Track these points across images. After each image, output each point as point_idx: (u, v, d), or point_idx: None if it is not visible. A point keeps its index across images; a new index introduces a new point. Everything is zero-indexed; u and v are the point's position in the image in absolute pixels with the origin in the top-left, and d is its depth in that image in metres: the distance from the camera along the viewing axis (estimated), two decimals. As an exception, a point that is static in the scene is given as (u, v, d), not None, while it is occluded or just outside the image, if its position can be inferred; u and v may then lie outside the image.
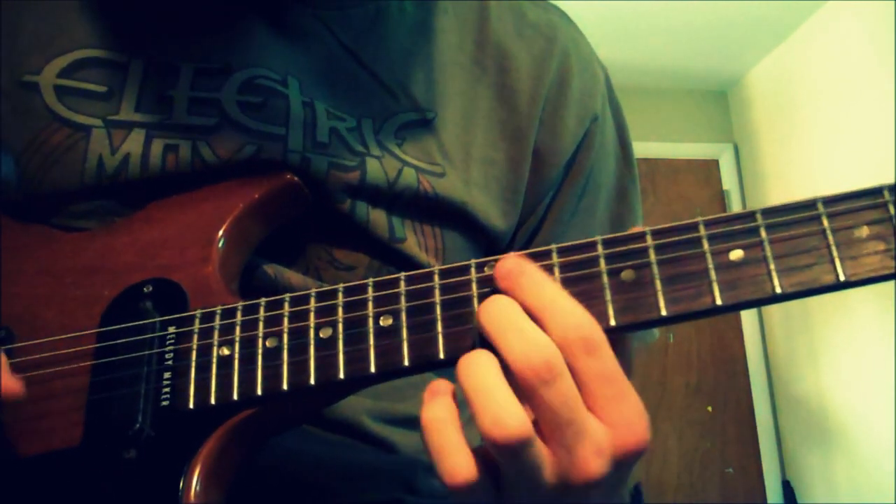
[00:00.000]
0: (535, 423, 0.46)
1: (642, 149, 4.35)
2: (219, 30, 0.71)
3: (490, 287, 0.51)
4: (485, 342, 0.48)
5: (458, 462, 0.46)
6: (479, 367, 0.46)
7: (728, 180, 4.68)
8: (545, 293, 0.48)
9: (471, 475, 0.46)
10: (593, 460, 0.46)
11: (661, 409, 4.13)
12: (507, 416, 0.44)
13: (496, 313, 0.47)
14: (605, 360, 0.46)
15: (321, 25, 0.73)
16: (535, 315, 0.47)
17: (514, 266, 0.49)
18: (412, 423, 0.73)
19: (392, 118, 0.73)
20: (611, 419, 0.46)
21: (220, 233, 0.63)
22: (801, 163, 4.11)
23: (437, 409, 0.47)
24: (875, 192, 0.46)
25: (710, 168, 4.73)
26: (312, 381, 0.53)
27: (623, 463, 0.47)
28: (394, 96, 0.74)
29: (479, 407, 0.45)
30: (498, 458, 0.46)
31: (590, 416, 0.46)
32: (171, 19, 0.71)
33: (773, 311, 4.31)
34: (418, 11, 0.78)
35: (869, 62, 3.62)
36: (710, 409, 4.26)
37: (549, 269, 0.51)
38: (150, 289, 0.61)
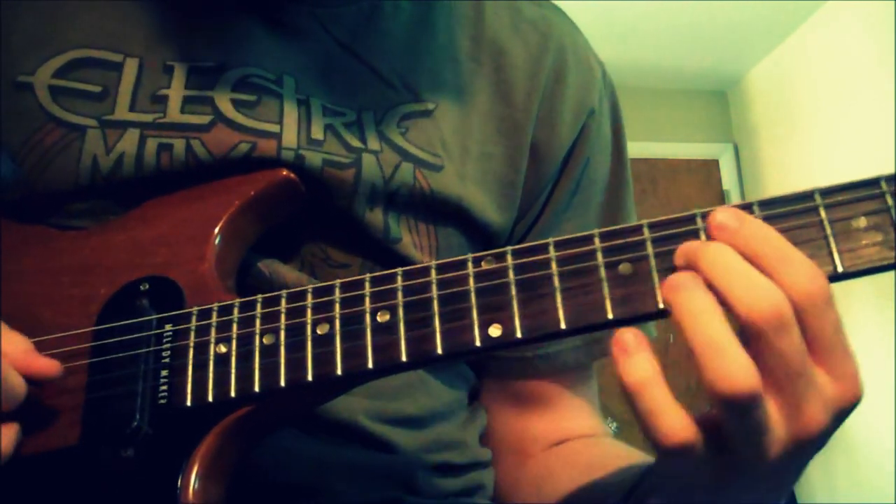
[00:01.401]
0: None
1: (642, 149, 4.35)
2: (213, 28, 0.71)
3: (490, 281, 0.51)
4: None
5: (674, 422, 0.44)
6: (706, 317, 0.44)
7: (728, 180, 4.69)
8: (773, 242, 0.45)
9: (689, 434, 0.44)
10: (821, 414, 0.44)
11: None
12: (738, 369, 0.42)
13: (719, 260, 0.44)
14: (836, 312, 0.45)
15: (316, 23, 0.73)
16: (764, 265, 0.45)
17: (731, 217, 0.46)
18: (410, 422, 0.73)
19: (393, 109, 0.73)
20: (837, 371, 0.45)
21: (216, 230, 0.63)
22: (801, 163, 4.12)
23: (639, 368, 0.45)
24: (872, 182, 0.46)
25: (710, 168, 4.74)
26: (310, 378, 0.53)
27: (841, 417, 0.46)
28: (393, 88, 0.74)
29: (707, 361, 0.43)
30: (725, 417, 0.45)
31: (817, 367, 0.45)
32: (165, 18, 0.71)
33: (773, 310, 4.30)
34: (414, 8, 0.78)
35: (869, 62, 3.62)
36: (710, 408, 4.24)
37: (546, 263, 0.50)
38: (147, 287, 0.61)
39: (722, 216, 0.47)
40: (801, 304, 0.44)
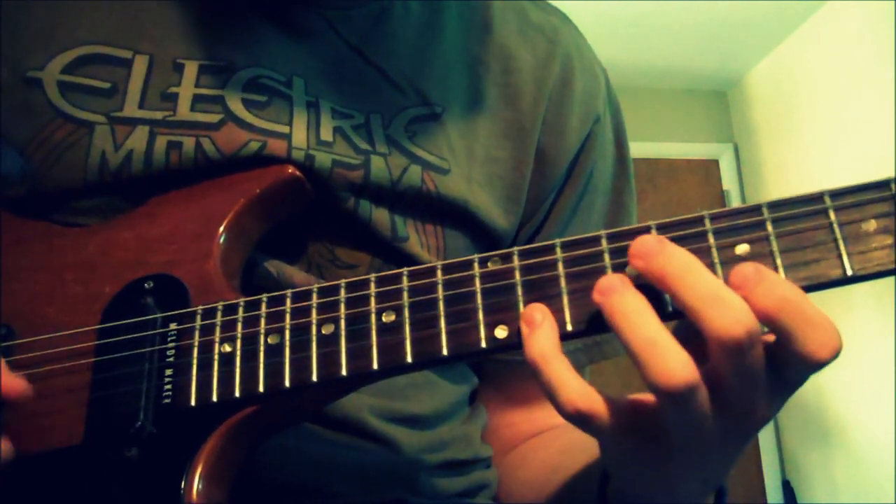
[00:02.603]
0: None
1: (642, 149, 4.35)
2: (223, 28, 0.71)
3: (495, 283, 0.50)
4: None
5: (571, 391, 0.46)
6: (639, 317, 0.45)
7: (728, 180, 4.69)
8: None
9: (691, 374, 0.44)
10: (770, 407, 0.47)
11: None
12: (676, 364, 0.43)
13: (691, 279, 0.45)
14: (784, 286, 0.45)
15: (325, 25, 0.73)
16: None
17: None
18: (415, 421, 0.73)
19: (401, 113, 0.73)
20: (809, 349, 0.45)
21: (222, 228, 0.63)
22: (801, 163, 4.12)
23: (541, 341, 0.47)
24: (882, 184, 0.46)
25: (710, 168, 4.74)
26: (315, 378, 0.53)
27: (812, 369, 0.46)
28: (402, 91, 0.74)
29: (646, 359, 0.44)
30: (664, 408, 0.45)
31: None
32: (176, 16, 0.71)
33: (773, 310, 4.30)
34: (424, 10, 0.78)
35: (869, 62, 3.62)
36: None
37: (552, 264, 0.50)
38: (151, 285, 0.61)
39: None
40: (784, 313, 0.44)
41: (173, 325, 0.58)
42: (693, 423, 0.46)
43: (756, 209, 0.48)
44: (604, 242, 0.50)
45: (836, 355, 0.44)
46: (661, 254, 0.45)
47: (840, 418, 3.78)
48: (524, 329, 0.48)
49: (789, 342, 0.44)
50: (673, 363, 0.43)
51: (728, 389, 0.45)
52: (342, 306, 0.54)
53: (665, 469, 0.50)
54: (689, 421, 0.46)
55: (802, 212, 0.47)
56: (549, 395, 0.47)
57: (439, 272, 0.53)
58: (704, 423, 0.46)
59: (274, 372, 0.54)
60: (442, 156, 0.72)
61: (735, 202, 4.57)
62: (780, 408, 0.48)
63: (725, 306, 0.43)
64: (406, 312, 0.53)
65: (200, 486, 0.53)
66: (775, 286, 0.44)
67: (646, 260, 0.46)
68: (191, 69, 0.69)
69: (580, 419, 0.46)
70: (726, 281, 0.45)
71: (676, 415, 0.45)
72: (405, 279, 0.53)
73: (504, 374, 0.83)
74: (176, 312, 0.58)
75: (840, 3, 3.84)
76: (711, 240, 0.48)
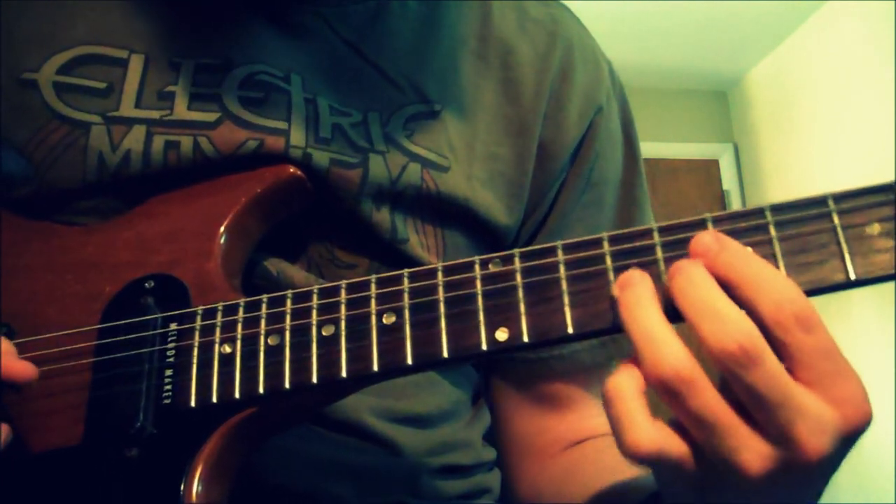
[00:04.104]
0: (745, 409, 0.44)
1: (642, 149, 4.34)
2: (219, 26, 0.71)
3: (497, 284, 0.50)
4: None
5: (668, 352, 0.44)
6: (641, 309, 0.45)
7: (728, 180, 4.69)
8: (751, 266, 0.45)
9: (684, 367, 0.44)
10: (816, 438, 0.43)
11: (661, 409, 4.12)
12: (668, 355, 0.43)
13: (689, 292, 0.45)
14: (822, 334, 0.44)
15: (322, 22, 0.73)
16: (742, 290, 0.45)
17: (712, 241, 0.46)
18: (416, 421, 0.73)
19: (400, 110, 0.73)
20: (833, 395, 0.44)
21: (223, 228, 0.62)
22: (802, 163, 4.11)
23: (621, 377, 0.46)
24: (886, 188, 0.45)
25: (710, 168, 4.74)
26: (315, 380, 0.53)
27: (849, 441, 0.45)
28: (400, 89, 0.74)
29: (641, 349, 0.44)
30: (678, 414, 0.45)
31: (807, 393, 0.43)
32: (171, 15, 0.71)
33: (772, 311, 4.31)
34: (422, 7, 0.78)
35: (869, 62, 3.62)
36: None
37: (553, 267, 0.50)
38: (152, 284, 0.61)
39: (703, 240, 0.46)
40: (781, 328, 0.43)
41: (173, 326, 0.58)
42: (722, 449, 0.44)
43: (759, 212, 0.47)
44: (605, 245, 0.50)
45: (797, 315, 0.43)
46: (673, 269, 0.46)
47: (839, 419, 3.78)
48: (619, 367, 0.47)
49: (754, 304, 0.44)
50: (665, 354, 0.43)
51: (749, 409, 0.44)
52: (343, 307, 0.54)
53: (714, 496, 0.48)
54: (704, 425, 0.44)
55: (806, 215, 0.46)
56: (614, 431, 0.46)
57: (440, 274, 0.53)
58: (741, 454, 0.44)
59: (274, 373, 0.54)
60: (441, 153, 0.72)
61: (735, 202, 4.57)
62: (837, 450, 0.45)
63: (720, 320, 0.43)
64: (406, 314, 0.52)
65: (200, 488, 0.53)
66: (736, 253, 0.45)
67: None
68: (187, 68, 0.68)
69: (645, 461, 0.45)
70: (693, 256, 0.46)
71: (677, 410, 0.45)
72: (406, 280, 0.53)
73: (524, 372, 0.80)
74: (176, 312, 0.58)
75: (840, 3, 3.84)
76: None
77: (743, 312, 0.44)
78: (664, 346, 0.44)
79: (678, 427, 0.45)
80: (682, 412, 0.45)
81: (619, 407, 0.45)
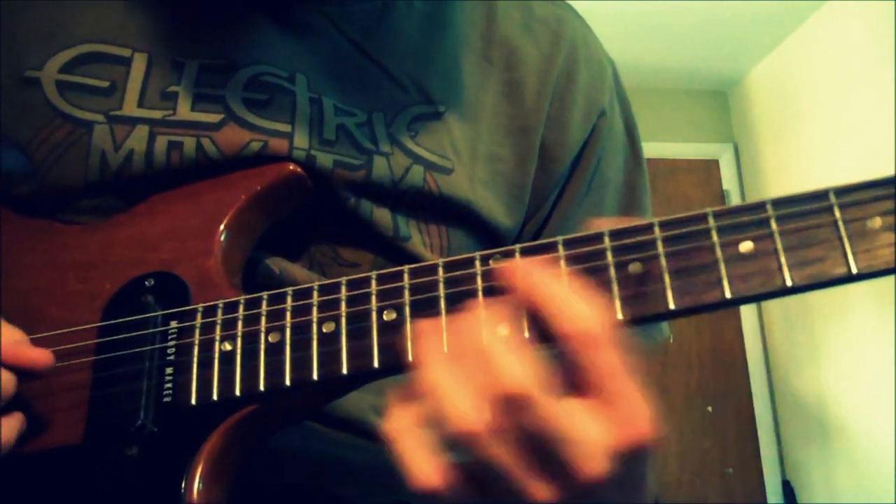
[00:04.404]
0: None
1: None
2: (224, 26, 0.71)
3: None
4: None
5: (420, 468, 0.46)
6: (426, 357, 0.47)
7: (728, 180, 4.69)
8: (548, 289, 0.47)
9: (433, 480, 0.45)
10: (590, 464, 0.45)
11: (662, 409, 4.12)
12: (454, 409, 0.45)
13: (476, 342, 0.46)
14: (611, 354, 0.45)
15: (327, 21, 0.73)
16: (543, 311, 0.46)
17: (514, 267, 0.48)
18: None
19: (404, 111, 0.73)
20: (614, 416, 0.45)
21: (223, 226, 0.62)
22: (802, 163, 4.11)
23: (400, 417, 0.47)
24: (888, 181, 0.45)
25: (710, 168, 4.74)
26: (315, 377, 0.53)
27: (628, 456, 0.46)
28: (404, 89, 0.73)
29: (431, 402, 0.46)
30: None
31: (583, 419, 0.45)
32: (176, 15, 0.71)
33: (773, 310, 4.31)
34: (427, 7, 0.77)
35: (869, 62, 3.62)
36: (710, 409, 4.25)
37: (555, 262, 0.50)
38: (152, 282, 0.61)
39: (507, 266, 0.49)
40: (572, 349, 0.45)
41: (174, 324, 0.58)
42: (496, 467, 0.45)
43: (760, 206, 0.47)
44: (606, 240, 0.49)
45: (595, 332, 0.45)
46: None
47: (840, 418, 3.78)
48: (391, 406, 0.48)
49: (550, 324, 0.46)
50: (453, 410, 0.45)
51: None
52: (343, 304, 0.54)
53: None
54: (487, 464, 0.45)
55: (807, 209, 0.46)
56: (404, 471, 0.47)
57: (440, 270, 0.53)
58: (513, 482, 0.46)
59: (274, 370, 0.54)
60: (445, 155, 0.72)
61: (735, 202, 4.56)
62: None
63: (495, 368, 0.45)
64: (407, 310, 0.52)
65: (201, 486, 0.53)
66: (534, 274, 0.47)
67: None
68: (191, 68, 0.68)
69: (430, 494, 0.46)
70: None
71: (469, 451, 0.46)
72: (406, 277, 0.53)
73: None
74: (176, 310, 0.58)
75: (840, 3, 3.84)
76: (715, 237, 0.47)
77: (521, 353, 0.45)
78: (449, 401, 0.45)
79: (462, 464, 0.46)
80: (477, 456, 0.45)
81: (398, 446, 0.46)
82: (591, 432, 0.45)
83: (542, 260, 0.50)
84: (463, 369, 0.46)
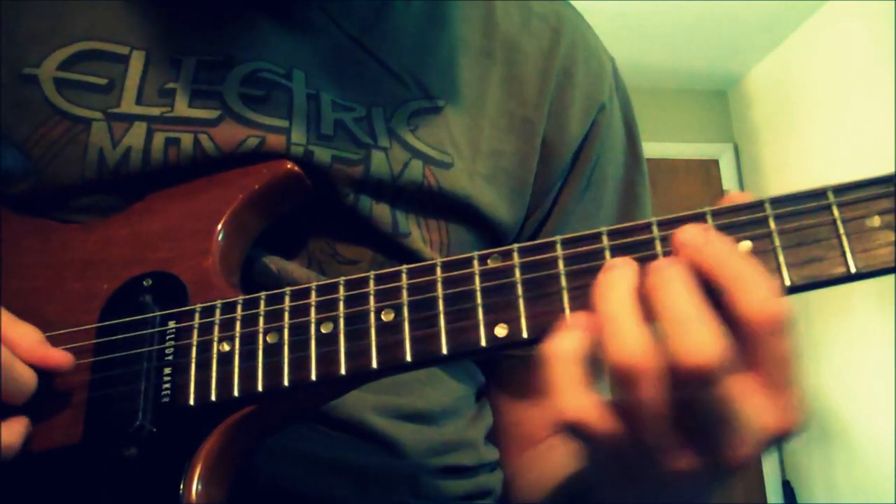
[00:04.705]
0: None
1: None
2: (221, 22, 0.71)
3: (497, 281, 0.50)
4: None
5: (631, 338, 0.44)
6: (610, 291, 0.46)
7: (728, 180, 4.69)
8: (734, 264, 0.44)
9: (642, 357, 0.43)
10: (744, 449, 0.44)
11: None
12: (630, 342, 0.43)
13: (664, 295, 0.44)
14: (790, 341, 0.44)
15: (325, 17, 0.73)
16: (721, 287, 0.44)
17: (697, 233, 0.46)
18: (418, 417, 0.72)
19: (403, 105, 0.73)
20: (779, 403, 0.44)
21: (220, 225, 0.62)
22: (801, 163, 4.11)
23: (566, 340, 0.46)
24: (887, 180, 0.45)
25: (710, 168, 4.74)
26: (313, 377, 0.53)
27: (773, 443, 0.46)
28: (404, 84, 0.73)
29: (604, 333, 0.44)
30: (616, 394, 0.45)
31: (754, 400, 0.44)
32: (172, 11, 0.71)
33: (773, 310, 4.30)
34: (425, 3, 0.77)
35: (869, 62, 3.62)
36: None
37: (552, 262, 0.50)
38: (150, 282, 0.61)
39: (688, 232, 0.46)
40: (754, 331, 0.43)
41: (172, 324, 0.58)
42: (646, 424, 0.45)
43: (758, 205, 0.47)
44: (605, 239, 0.49)
45: (780, 318, 0.43)
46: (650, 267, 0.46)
47: (840, 418, 3.78)
48: (561, 328, 0.47)
49: (731, 301, 0.44)
50: (625, 340, 0.43)
51: (696, 420, 0.44)
52: (341, 304, 0.54)
53: (628, 480, 0.49)
54: (639, 417, 0.44)
55: (805, 208, 0.46)
56: (549, 392, 0.46)
57: (439, 270, 0.52)
58: (667, 454, 0.45)
59: (273, 371, 0.54)
60: (444, 150, 0.72)
61: (739, 196, 4.56)
62: (754, 452, 0.45)
63: (690, 332, 0.43)
64: (405, 311, 0.52)
65: (199, 487, 0.53)
66: (721, 249, 0.45)
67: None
68: (188, 65, 0.68)
69: (570, 428, 0.46)
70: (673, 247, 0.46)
71: (625, 396, 0.44)
72: (404, 277, 0.53)
73: (510, 368, 0.81)
74: (174, 311, 0.58)
75: (840, 3, 3.84)
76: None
77: (714, 326, 0.43)
78: (625, 333, 0.44)
79: (616, 408, 0.45)
80: (625, 399, 0.44)
81: (556, 369, 0.45)
82: (755, 418, 0.44)
83: (724, 237, 0.47)
84: (648, 314, 0.44)
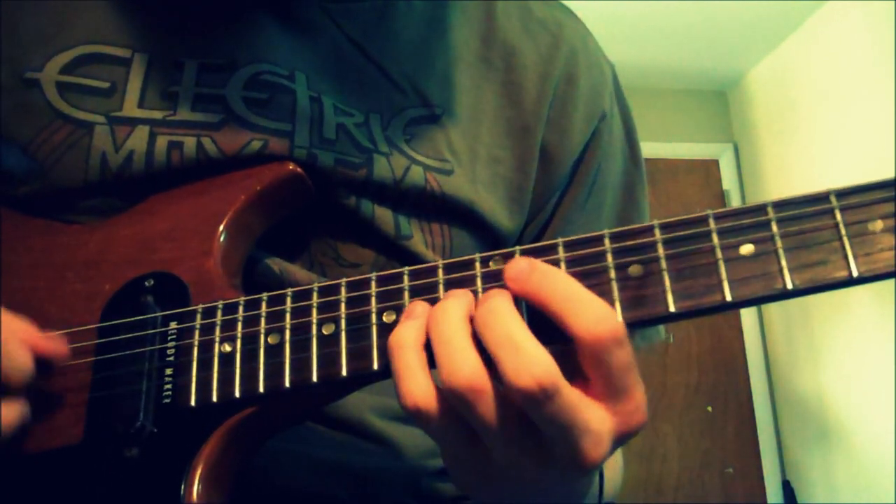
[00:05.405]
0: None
1: (642, 148, 4.34)
2: (224, 25, 0.71)
3: (496, 282, 0.50)
4: None
5: (463, 361, 0.46)
6: (445, 315, 0.48)
7: (728, 180, 4.68)
8: (560, 286, 0.47)
9: (425, 402, 0.46)
10: (596, 449, 0.46)
11: (661, 409, 4.13)
12: (461, 362, 0.45)
13: (492, 322, 0.47)
14: (627, 351, 0.46)
15: (328, 19, 0.73)
16: (552, 310, 0.47)
17: (523, 265, 0.48)
18: None
19: (400, 113, 0.73)
20: (620, 409, 0.47)
21: (222, 226, 0.62)
22: (802, 163, 4.11)
23: (407, 329, 0.49)
24: (889, 184, 0.45)
25: (710, 168, 4.73)
26: (315, 378, 0.53)
27: (619, 443, 0.48)
28: (402, 91, 0.73)
29: (438, 355, 0.46)
30: (460, 409, 0.47)
31: (595, 409, 0.46)
32: (175, 14, 0.71)
33: (772, 310, 4.31)
34: (427, 7, 0.77)
35: (869, 62, 3.62)
36: (710, 409, 4.25)
37: (555, 264, 0.50)
38: (152, 283, 0.61)
39: (514, 265, 0.49)
40: (589, 348, 0.45)
41: (173, 324, 0.58)
42: (491, 439, 0.47)
43: (761, 208, 0.47)
44: (607, 242, 0.49)
45: (612, 334, 0.45)
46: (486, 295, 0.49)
47: (840, 418, 3.78)
48: (402, 317, 0.50)
49: (565, 323, 0.46)
50: (461, 364, 0.46)
51: (538, 432, 0.47)
52: (343, 306, 0.54)
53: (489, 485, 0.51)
54: (482, 428, 0.47)
55: (808, 211, 0.46)
56: (396, 383, 0.48)
57: (440, 271, 0.52)
58: (524, 457, 0.47)
59: (274, 372, 0.54)
60: (442, 158, 0.72)
61: (735, 202, 4.56)
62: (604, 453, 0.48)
63: (517, 355, 0.45)
64: None
65: (200, 487, 0.53)
66: (546, 274, 0.47)
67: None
68: (191, 68, 0.68)
69: (412, 413, 0.47)
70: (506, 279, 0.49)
71: (466, 416, 0.47)
72: (406, 279, 0.53)
73: None
74: (176, 311, 0.58)
75: (840, 3, 3.83)
76: (716, 240, 0.47)
77: (538, 350, 0.45)
78: (457, 356, 0.46)
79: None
80: (468, 419, 0.47)
81: (399, 357, 0.48)
82: (601, 422, 0.46)
83: (551, 267, 0.50)
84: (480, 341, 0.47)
